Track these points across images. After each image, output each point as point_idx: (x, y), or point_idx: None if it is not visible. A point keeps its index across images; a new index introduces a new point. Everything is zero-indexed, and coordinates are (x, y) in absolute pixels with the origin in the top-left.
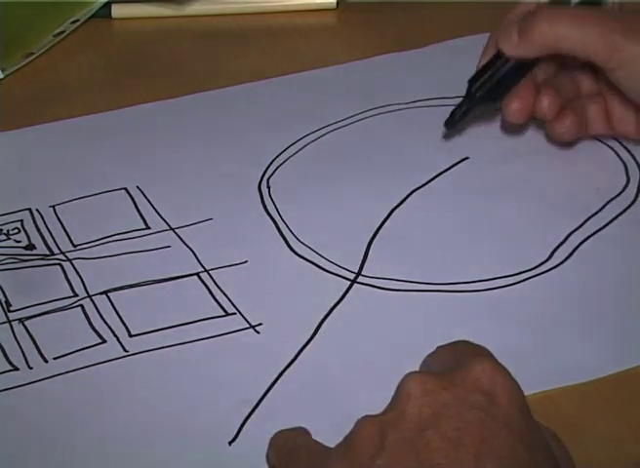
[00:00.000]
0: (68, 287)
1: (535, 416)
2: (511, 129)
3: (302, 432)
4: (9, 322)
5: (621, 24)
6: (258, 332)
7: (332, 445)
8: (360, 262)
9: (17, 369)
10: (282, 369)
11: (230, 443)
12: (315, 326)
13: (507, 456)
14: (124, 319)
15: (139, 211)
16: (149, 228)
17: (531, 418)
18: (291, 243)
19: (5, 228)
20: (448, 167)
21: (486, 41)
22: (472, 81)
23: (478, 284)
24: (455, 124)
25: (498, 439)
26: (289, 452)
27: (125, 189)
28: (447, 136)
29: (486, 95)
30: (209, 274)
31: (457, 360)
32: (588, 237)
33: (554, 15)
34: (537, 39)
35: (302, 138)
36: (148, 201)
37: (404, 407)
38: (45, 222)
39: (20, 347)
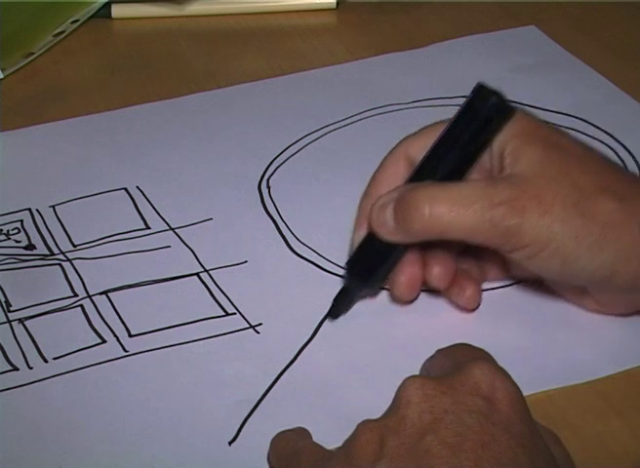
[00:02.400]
0: (68, 287)
1: (535, 417)
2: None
3: (303, 434)
4: (9, 322)
5: (511, 201)
6: (257, 332)
7: (331, 445)
8: None
9: (17, 369)
10: (282, 369)
11: (230, 443)
12: (315, 326)
13: (508, 462)
14: (124, 319)
15: (138, 211)
16: (149, 228)
17: (531, 422)
18: (291, 243)
19: (5, 228)
20: None
21: (485, 42)
22: (350, 265)
23: None
24: (339, 314)
25: (498, 444)
26: (290, 456)
27: (125, 189)
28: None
29: (369, 278)
30: (209, 274)
31: (456, 363)
32: None
33: (434, 197)
34: (416, 226)
35: (302, 138)
36: (148, 201)
37: (404, 412)
38: (45, 222)
39: (20, 347)
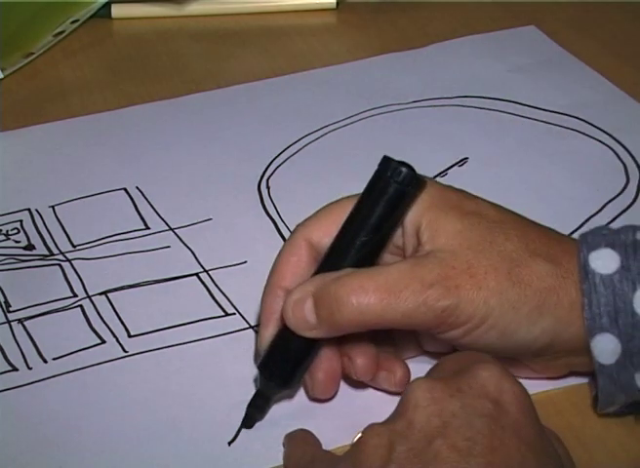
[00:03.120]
0: (68, 287)
1: None
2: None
3: (316, 443)
4: (8, 322)
5: (443, 280)
6: (257, 333)
7: (331, 445)
8: None
9: (16, 369)
10: None
11: (230, 443)
12: None
13: (517, 466)
14: (123, 319)
15: (138, 211)
16: (149, 228)
17: (539, 424)
18: None
19: (4, 228)
20: (448, 167)
21: (485, 42)
22: (263, 368)
23: None
24: (255, 422)
25: (507, 448)
26: (306, 465)
27: (124, 189)
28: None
29: (286, 380)
30: (208, 274)
31: (462, 366)
32: None
33: (361, 287)
34: (344, 320)
35: (302, 138)
36: (148, 201)
37: (411, 416)
38: (44, 223)
39: (20, 347)
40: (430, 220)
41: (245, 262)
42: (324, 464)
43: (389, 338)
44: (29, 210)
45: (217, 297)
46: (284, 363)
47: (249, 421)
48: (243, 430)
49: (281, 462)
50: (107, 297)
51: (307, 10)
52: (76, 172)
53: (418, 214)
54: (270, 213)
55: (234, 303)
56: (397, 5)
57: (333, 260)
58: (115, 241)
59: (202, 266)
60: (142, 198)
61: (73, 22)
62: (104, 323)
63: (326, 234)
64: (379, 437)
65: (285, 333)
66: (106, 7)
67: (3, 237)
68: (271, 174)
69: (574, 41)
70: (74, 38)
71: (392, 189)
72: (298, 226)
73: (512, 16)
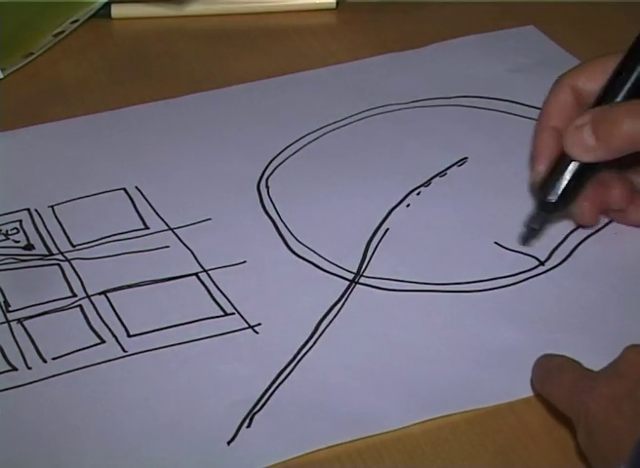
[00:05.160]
0: (67, 287)
1: (536, 417)
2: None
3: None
4: (8, 322)
5: None
6: (256, 333)
7: (330, 443)
8: (359, 262)
9: (15, 369)
10: (281, 368)
11: (229, 443)
12: (314, 325)
13: None
14: (123, 319)
15: (137, 211)
16: (148, 228)
17: None
18: (289, 243)
19: (4, 228)
20: (447, 167)
21: (485, 42)
22: (543, 188)
23: (478, 284)
24: (532, 238)
25: None
26: (551, 369)
27: (124, 189)
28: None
29: (561, 200)
30: (208, 274)
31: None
32: (588, 237)
33: (635, 111)
34: (618, 140)
35: (302, 138)
36: (147, 201)
37: None
38: (44, 222)
39: (19, 347)
40: None
41: (244, 262)
42: (575, 372)
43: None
44: (29, 209)
45: (216, 297)
46: (561, 186)
47: (528, 238)
48: (242, 429)
49: (280, 460)
50: (107, 297)
51: (307, 10)
52: (76, 172)
53: None
54: (270, 212)
55: (234, 303)
56: (397, 5)
57: (605, 97)
58: (114, 241)
59: (201, 266)
60: (142, 198)
61: (73, 22)
62: (104, 322)
63: (590, 79)
64: (638, 355)
65: (561, 164)
66: (106, 7)
67: (2, 237)
68: (271, 173)
69: (573, 41)
70: (74, 38)
71: None
72: (561, 75)
73: (512, 16)
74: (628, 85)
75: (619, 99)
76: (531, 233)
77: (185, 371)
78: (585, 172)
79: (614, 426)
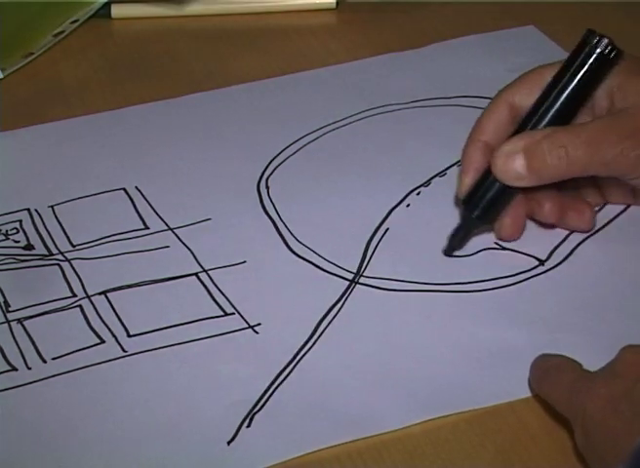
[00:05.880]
0: (67, 287)
1: (536, 417)
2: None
3: (565, 357)
4: (7, 322)
5: (636, 131)
6: (256, 332)
7: (329, 444)
8: (359, 262)
9: (15, 369)
10: (281, 368)
11: (229, 442)
12: (314, 325)
13: None
14: (122, 319)
15: (137, 211)
16: (148, 228)
17: None
18: (289, 243)
19: (4, 228)
20: (447, 167)
21: (485, 42)
22: (466, 204)
23: (478, 284)
24: (453, 251)
25: None
26: (549, 369)
27: (124, 189)
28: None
29: (484, 216)
30: (207, 274)
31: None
32: (588, 237)
33: (569, 143)
34: (551, 172)
35: (302, 138)
36: (147, 201)
37: None
38: (44, 222)
39: (19, 347)
40: (622, 82)
41: (244, 262)
42: (574, 373)
43: (574, 187)
44: (29, 209)
45: (216, 297)
46: (485, 202)
47: (449, 250)
48: (242, 429)
49: (280, 460)
50: (107, 297)
51: (307, 10)
52: (76, 172)
53: (610, 78)
54: (270, 212)
55: (233, 303)
56: (397, 5)
57: (534, 119)
58: (114, 241)
59: (201, 266)
60: (142, 198)
61: (73, 22)
62: (104, 323)
63: (526, 96)
64: (635, 355)
65: (486, 180)
66: (106, 7)
67: (2, 237)
68: (271, 173)
69: (573, 41)
70: (74, 38)
71: (595, 57)
72: (500, 90)
73: (512, 16)
74: (557, 106)
75: (547, 121)
76: (454, 245)
77: (185, 371)
78: (512, 191)
79: (611, 427)
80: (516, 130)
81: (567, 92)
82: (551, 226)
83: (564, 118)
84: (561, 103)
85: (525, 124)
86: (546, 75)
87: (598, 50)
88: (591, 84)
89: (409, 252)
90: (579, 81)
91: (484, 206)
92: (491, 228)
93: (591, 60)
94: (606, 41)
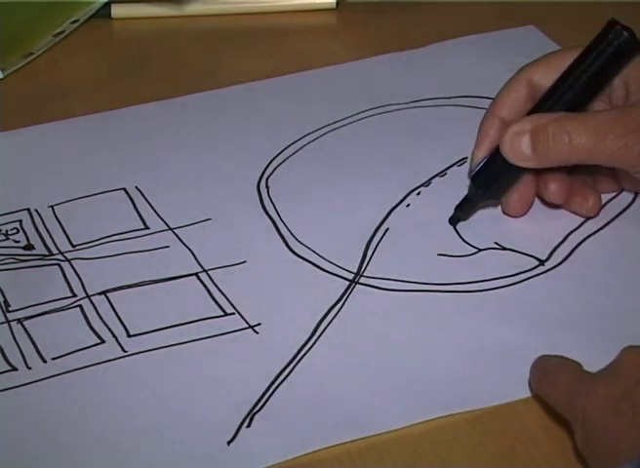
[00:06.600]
0: (67, 287)
1: (536, 417)
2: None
3: (565, 357)
4: (7, 322)
5: None
6: (256, 333)
7: (329, 443)
8: (359, 262)
9: (15, 369)
10: (281, 368)
11: (229, 442)
12: (314, 326)
13: None
14: (123, 319)
15: (137, 211)
16: (148, 228)
17: None
18: (289, 243)
19: (4, 228)
20: (447, 167)
21: (485, 42)
22: (474, 178)
23: (478, 284)
24: (458, 222)
25: None
26: (548, 369)
27: (124, 189)
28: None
29: (489, 191)
30: (207, 274)
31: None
32: (588, 237)
33: (574, 128)
34: (554, 156)
35: (302, 138)
36: (147, 201)
37: None
38: (44, 222)
39: (19, 347)
40: (638, 76)
41: (244, 262)
42: (574, 374)
43: (590, 172)
44: (29, 209)
45: (216, 297)
46: (493, 178)
47: (455, 220)
48: (242, 429)
49: (280, 460)
50: (107, 297)
51: (307, 10)
52: (76, 172)
53: (629, 69)
54: (270, 212)
55: (233, 303)
56: (397, 5)
57: (550, 101)
58: (114, 241)
59: (201, 266)
60: (142, 198)
61: (73, 22)
62: (104, 323)
63: (545, 76)
64: (636, 356)
65: (497, 156)
66: (106, 7)
67: (2, 237)
68: (271, 173)
69: (573, 41)
70: (74, 38)
71: (614, 47)
72: (522, 68)
73: (512, 16)
74: (574, 90)
75: (562, 104)
76: (459, 216)
77: (185, 371)
78: (517, 170)
79: (611, 427)
80: (531, 110)
81: (583, 79)
82: (557, 206)
83: (579, 104)
84: (577, 90)
85: (540, 106)
86: (568, 58)
87: (617, 41)
88: (608, 73)
89: (409, 252)
90: (596, 70)
91: (491, 181)
92: (497, 202)
93: (610, 51)
94: (626, 33)
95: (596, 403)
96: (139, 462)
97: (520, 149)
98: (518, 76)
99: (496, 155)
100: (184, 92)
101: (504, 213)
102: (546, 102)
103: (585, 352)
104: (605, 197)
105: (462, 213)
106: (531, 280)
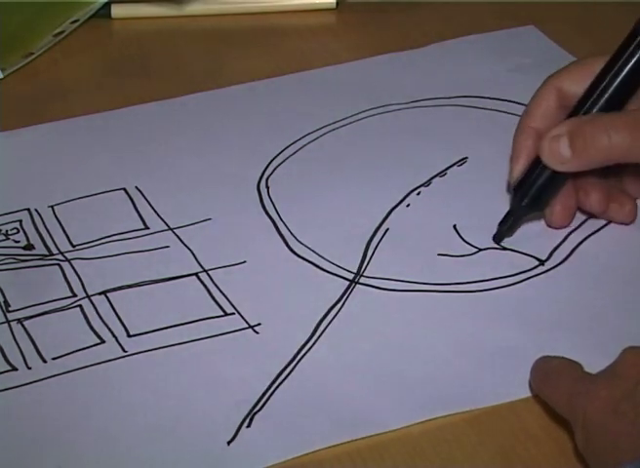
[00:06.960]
0: (67, 287)
1: (537, 417)
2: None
3: (566, 358)
4: (8, 322)
5: None
6: (256, 333)
7: (329, 443)
8: (359, 262)
9: (15, 369)
10: (281, 368)
11: (229, 443)
12: (314, 326)
13: None
14: (123, 319)
15: (137, 211)
16: (148, 228)
17: None
18: (290, 243)
19: (4, 228)
20: (447, 167)
21: (485, 42)
22: (516, 191)
23: (478, 284)
24: (503, 238)
25: None
26: (549, 370)
27: (124, 189)
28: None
29: (532, 203)
30: (208, 274)
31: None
32: (588, 237)
33: (613, 126)
34: (594, 154)
35: (302, 138)
36: (147, 201)
37: None
38: (44, 222)
39: (19, 347)
40: None
41: (244, 262)
42: (574, 374)
43: (620, 180)
44: (29, 209)
45: (216, 297)
46: (534, 189)
47: (499, 237)
48: (242, 429)
49: (280, 460)
50: (107, 297)
51: (307, 10)
52: (76, 172)
53: None
54: (270, 212)
55: (233, 303)
56: (397, 5)
57: (585, 105)
58: (114, 241)
59: (201, 266)
60: (142, 198)
61: (73, 22)
62: (104, 323)
63: (575, 83)
64: (636, 357)
65: (537, 166)
66: (106, 7)
67: (2, 237)
68: (271, 173)
69: (574, 41)
70: (74, 38)
71: None
72: (549, 77)
73: (512, 16)
74: (608, 94)
75: (597, 108)
76: (504, 232)
77: (185, 372)
78: (560, 178)
79: (612, 428)
80: (567, 116)
81: (618, 80)
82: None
83: (614, 106)
84: (611, 92)
85: (576, 112)
86: (595, 65)
87: None
88: None
89: (409, 252)
90: (629, 71)
91: (533, 193)
92: (540, 215)
93: None
94: None
95: (597, 404)
96: (139, 462)
97: (559, 151)
98: (546, 86)
99: (535, 166)
100: (184, 92)
101: (548, 225)
102: (582, 108)
103: (586, 353)
104: None
105: (507, 228)
106: (531, 280)
